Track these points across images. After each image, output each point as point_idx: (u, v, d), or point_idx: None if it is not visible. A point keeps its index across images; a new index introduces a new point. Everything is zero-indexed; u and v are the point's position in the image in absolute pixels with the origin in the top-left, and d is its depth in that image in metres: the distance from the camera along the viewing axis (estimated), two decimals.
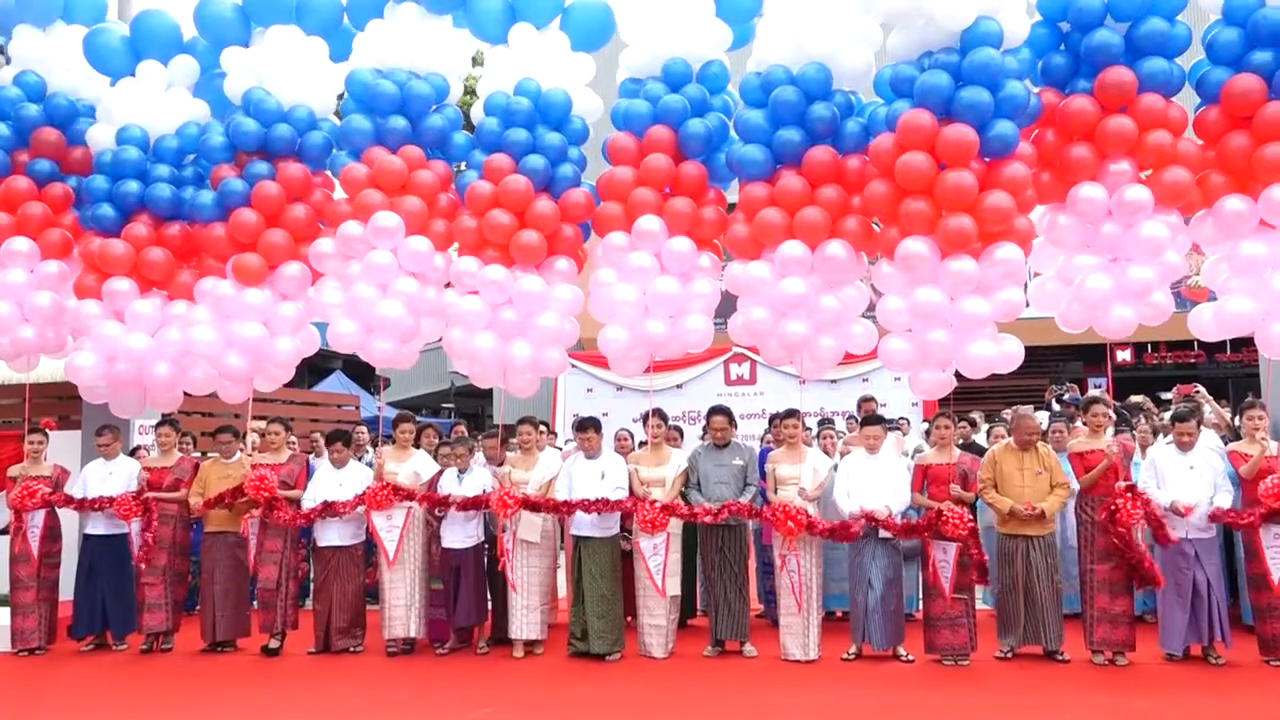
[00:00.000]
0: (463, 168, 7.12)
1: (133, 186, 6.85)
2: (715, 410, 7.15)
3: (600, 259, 6.61)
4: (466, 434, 8.77)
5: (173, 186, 6.89)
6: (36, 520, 7.27)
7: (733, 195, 6.75)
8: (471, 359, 6.72)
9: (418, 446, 7.57)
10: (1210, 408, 8.08)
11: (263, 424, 7.76)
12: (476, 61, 7.75)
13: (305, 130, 6.84)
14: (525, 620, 6.93)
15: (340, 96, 7.13)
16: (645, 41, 6.65)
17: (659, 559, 6.67)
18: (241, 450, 7.59)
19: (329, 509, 7.05)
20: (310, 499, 7.20)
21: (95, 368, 6.91)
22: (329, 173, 7.12)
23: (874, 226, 6.41)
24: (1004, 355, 6.22)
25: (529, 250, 6.49)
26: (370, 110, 6.77)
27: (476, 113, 6.95)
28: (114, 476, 7.36)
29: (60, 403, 9.64)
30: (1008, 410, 10.97)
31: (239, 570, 7.29)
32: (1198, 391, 8.66)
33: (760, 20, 6.55)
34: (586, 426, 7.10)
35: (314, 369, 22.67)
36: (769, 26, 6.41)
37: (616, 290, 6.40)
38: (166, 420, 7.80)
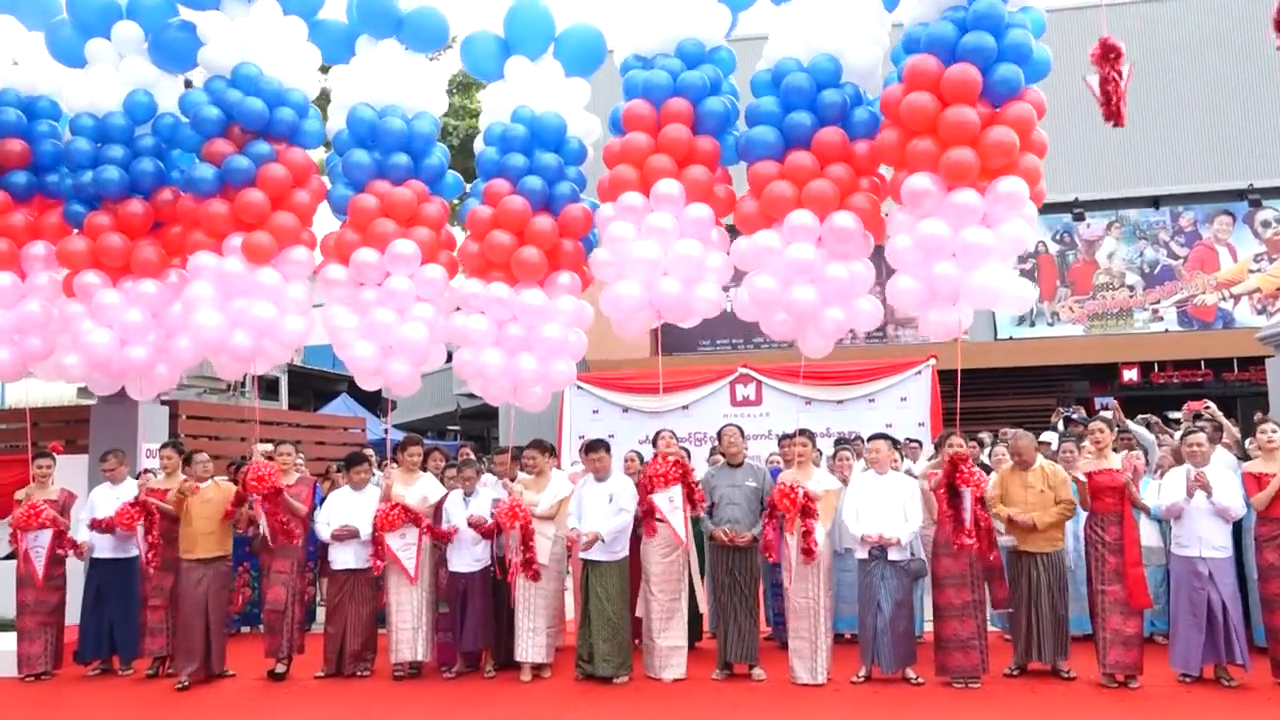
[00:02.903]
0: (459, 202, 7.16)
1: (87, 177, 6.69)
2: (729, 427, 7.17)
3: (615, 215, 6.61)
4: (472, 456, 8.76)
5: (121, 169, 6.68)
6: (41, 540, 7.20)
7: (739, 188, 6.80)
8: (481, 377, 6.75)
9: (424, 470, 7.56)
10: (1223, 426, 8.04)
11: (269, 446, 7.75)
12: (460, 87, 7.86)
13: (303, 116, 6.83)
14: (532, 643, 6.90)
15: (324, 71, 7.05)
16: (651, 22, 6.76)
17: (677, 513, 6.53)
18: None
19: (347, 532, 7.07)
20: (326, 522, 7.19)
21: (77, 366, 6.83)
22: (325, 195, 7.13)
23: (882, 214, 6.45)
24: (1016, 294, 6.16)
25: (529, 266, 6.57)
26: (372, 145, 6.84)
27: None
28: (120, 500, 7.34)
29: (67, 426, 9.66)
30: (1014, 432, 10.96)
31: (225, 597, 7.21)
32: (1208, 408, 8.60)
33: (758, 11, 6.74)
34: (597, 447, 7.10)
35: (319, 392, 22.69)
36: (781, 26, 6.54)
37: (636, 247, 6.43)
38: (170, 443, 7.80)
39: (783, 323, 6.38)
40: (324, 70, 7.32)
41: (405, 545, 7.02)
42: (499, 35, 6.99)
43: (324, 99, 7.21)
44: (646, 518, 6.66)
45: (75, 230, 6.88)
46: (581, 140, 6.99)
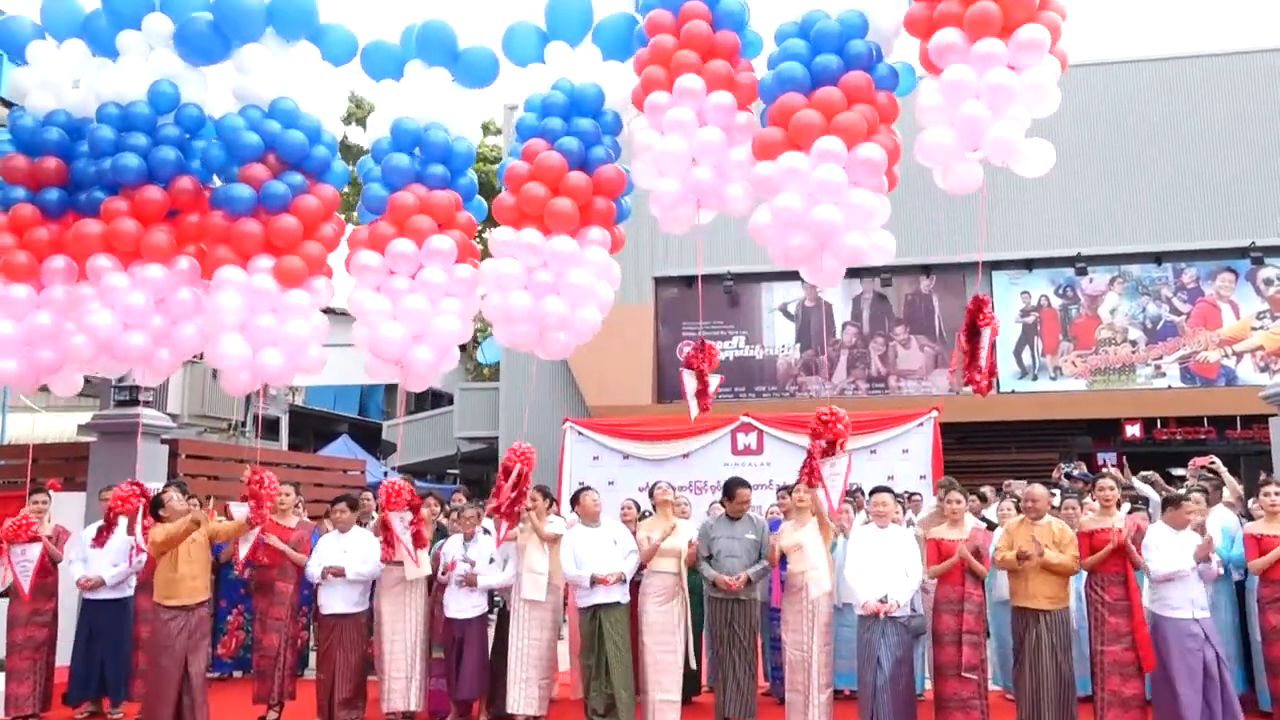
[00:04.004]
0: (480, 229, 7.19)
1: (107, 164, 6.71)
2: (742, 483, 7.13)
3: (645, 116, 6.66)
4: (467, 500, 8.71)
5: (140, 157, 6.67)
6: (30, 555, 7.06)
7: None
8: (508, 320, 6.75)
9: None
10: (1226, 483, 8.00)
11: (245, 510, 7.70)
12: (488, 129, 7.91)
13: (333, 155, 7.10)
14: (524, 694, 6.81)
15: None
16: None
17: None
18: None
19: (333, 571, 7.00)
20: (315, 565, 7.14)
21: (85, 347, 6.67)
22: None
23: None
24: (1035, 152, 6.14)
25: (562, 216, 6.65)
26: (413, 153, 7.05)
27: None
28: (114, 538, 7.27)
29: (67, 464, 9.63)
30: (1016, 483, 10.91)
31: (205, 646, 6.92)
32: (1213, 463, 8.56)
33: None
34: (585, 489, 7.21)
35: (320, 433, 22.65)
36: None
37: (660, 143, 6.51)
38: (173, 483, 7.77)
39: (798, 247, 6.26)
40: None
41: (407, 528, 6.89)
42: (539, 26, 7.21)
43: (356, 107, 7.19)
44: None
45: (92, 216, 6.86)
46: (618, 114, 7.15)
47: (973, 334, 6.11)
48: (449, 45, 7.14)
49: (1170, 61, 17.65)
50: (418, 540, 6.84)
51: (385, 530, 6.79)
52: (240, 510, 7.20)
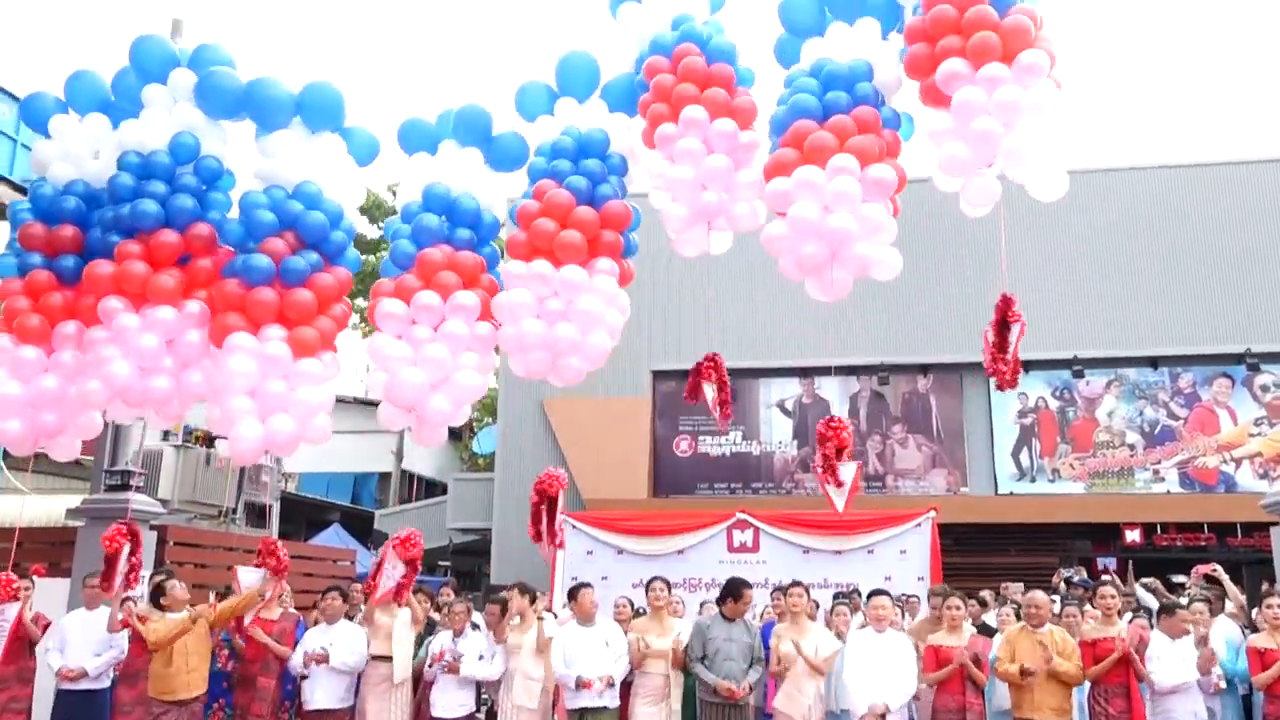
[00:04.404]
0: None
1: (125, 209, 6.81)
2: (746, 584, 7.04)
3: (655, 147, 6.99)
4: (455, 594, 8.55)
5: (159, 204, 6.78)
6: (8, 614, 6.89)
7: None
8: (521, 348, 6.88)
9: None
10: (1229, 593, 7.88)
11: (258, 573, 7.58)
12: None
13: (350, 240, 7.30)
14: None
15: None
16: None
17: None
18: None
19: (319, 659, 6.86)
20: (299, 656, 6.98)
21: (99, 393, 6.70)
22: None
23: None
24: (1046, 163, 6.32)
25: (571, 248, 6.87)
26: (443, 215, 7.31)
27: None
28: (94, 628, 7.10)
29: (53, 548, 9.48)
30: (1014, 586, 10.74)
31: None
32: (1215, 571, 8.45)
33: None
34: (584, 588, 7.06)
35: (311, 521, 22.41)
36: (809, 51, 7.08)
37: (675, 170, 6.85)
38: (162, 570, 7.64)
39: (810, 256, 6.42)
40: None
41: (395, 574, 6.94)
42: (550, 85, 7.62)
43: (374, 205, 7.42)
44: None
45: (106, 259, 6.92)
46: (624, 156, 7.44)
47: (1002, 328, 6.42)
48: (484, 128, 7.47)
49: (1167, 170, 18.01)
50: (399, 592, 6.93)
51: (377, 567, 6.87)
52: (248, 577, 7.10)
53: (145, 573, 8.26)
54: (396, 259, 7.23)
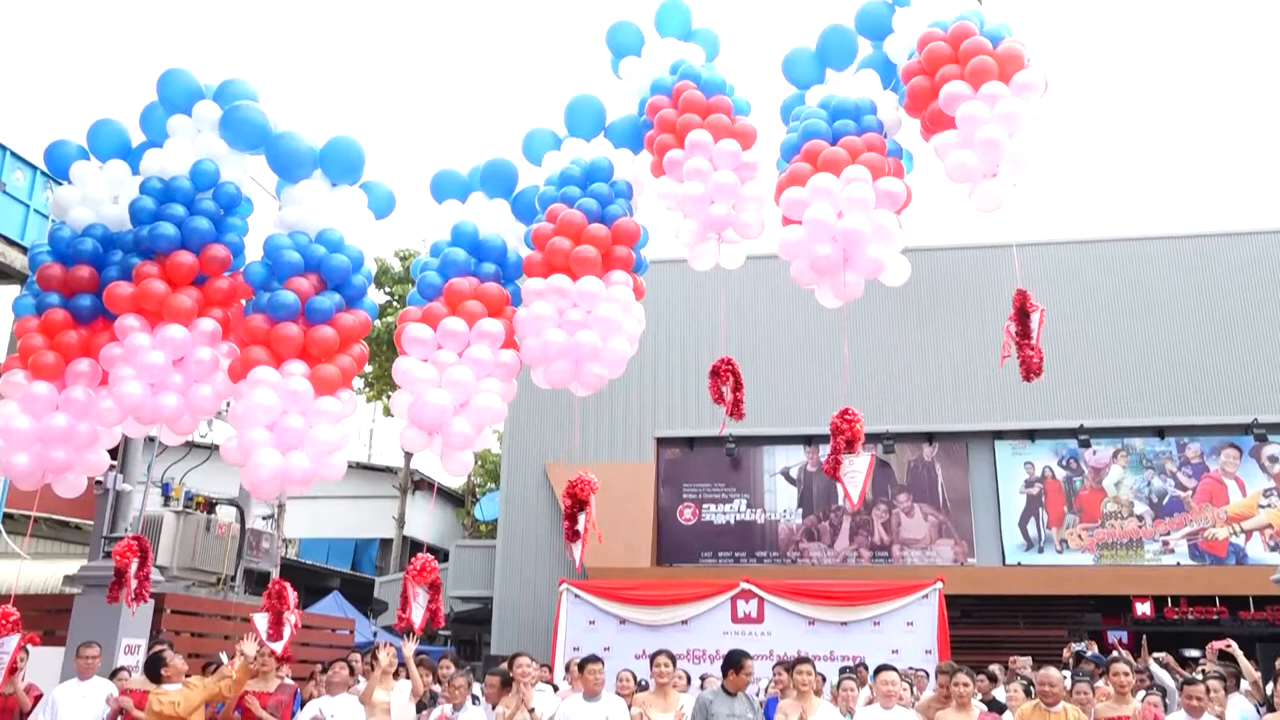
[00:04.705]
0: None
1: (145, 231, 7.02)
2: (747, 655, 6.90)
3: (664, 173, 7.35)
4: (455, 666, 8.39)
5: (177, 226, 6.97)
6: (7, 647, 6.87)
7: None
8: (544, 358, 7.07)
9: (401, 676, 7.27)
10: (1243, 669, 7.72)
11: (254, 647, 7.47)
12: None
13: (368, 284, 7.54)
14: None
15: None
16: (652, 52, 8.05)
17: None
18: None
19: None
20: None
21: (112, 411, 6.86)
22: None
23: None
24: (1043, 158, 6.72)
25: (587, 262, 7.13)
26: (471, 252, 7.64)
27: None
28: (87, 700, 6.97)
29: (49, 616, 9.37)
30: (1023, 660, 10.54)
31: None
32: (1230, 647, 8.28)
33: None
34: (593, 661, 6.89)
35: (310, 588, 22.16)
36: (813, 97, 7.60)
37: (681, 188, 7.16)
38: (159, 641, 7.52)
39: (824, 258, 6.66)
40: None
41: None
42: (555, 132, 8.02)
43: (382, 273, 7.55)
44: None
45: (126, 280, 7.11)
46: (629, 183, 7.75)
47: (1022, 317, 6.72)
48: (509, 181, 7.97)
49: (1173, 240, 18.11)
50: (434, 619, 7.15)
51: (404, 600, 7.05)
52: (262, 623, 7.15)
53: (135, 639, 8.17)
54: (423, 290, 7.48)
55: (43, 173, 17.97)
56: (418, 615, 7.00)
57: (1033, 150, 6.60)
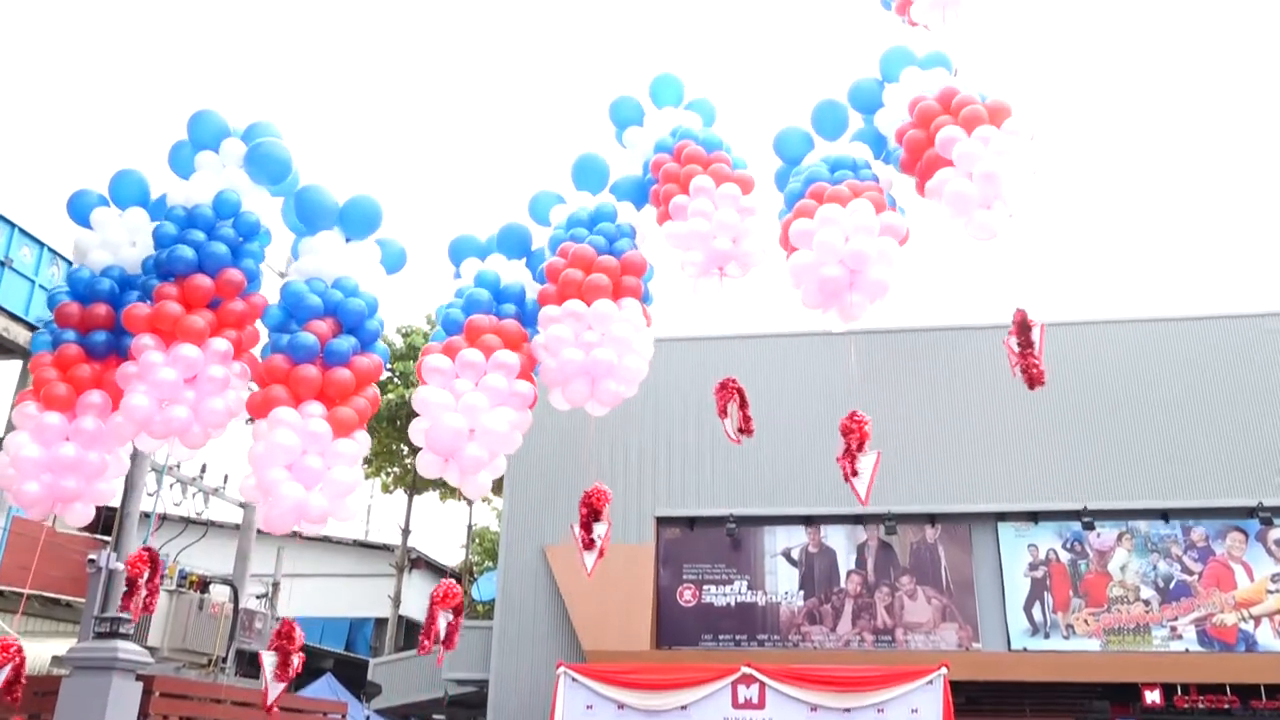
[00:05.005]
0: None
1: (164, 255, 7.28)
2: None
3: (669, 216, 7.87)
4: None
5: (195, 250, 7.23)
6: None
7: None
8: (562, 377, 7.47)
9: None
10: None
11: None
12: None
13: (380, 331, 7.80)
14: None
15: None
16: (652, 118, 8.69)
17: None
18: None
19: None
20: None
21: (125, 426, 7.05)
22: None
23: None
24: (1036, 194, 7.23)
25: (599, 289, 7.56)
26: (493, 293, 8.07)
27: None
28: None
29: (36, 698, 9.16)
30: None
31: None
32: None
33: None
34: None
35: (303, 668, 21.76)
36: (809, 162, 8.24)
37: (689, 225, 7.68)
38: None
39: (832, 279, 7.08)
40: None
41: None
42: (559, 194, 8.49)
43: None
44: None
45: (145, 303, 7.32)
46: (634, 226, 8.19)
47: (1023, 330, 7.24)
48: (524, 243, 8.45)
49: (1176, 322, 18.16)
50: (450, 637, 7.62)
51: (430, 622, 7.50)
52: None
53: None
54: (446, 326, 7.83)
55: (49, 249, 18.20)
56: (443, 632, 7.57)
57: (1027, 186, 7.10)
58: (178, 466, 13.72)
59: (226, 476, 15.19)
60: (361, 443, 7.23)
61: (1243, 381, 17.30)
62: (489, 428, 7.22)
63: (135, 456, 12.35)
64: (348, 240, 7.70)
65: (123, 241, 7.66)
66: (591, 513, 7.68)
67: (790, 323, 19.54)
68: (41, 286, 18.04)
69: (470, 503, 30.05)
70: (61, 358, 7.24)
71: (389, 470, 28.15)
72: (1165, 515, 17.06)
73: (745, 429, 7.80)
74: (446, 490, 29.14)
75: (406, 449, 27.36)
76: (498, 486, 29.59)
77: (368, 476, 29.19)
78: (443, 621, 7.55)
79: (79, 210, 7.79)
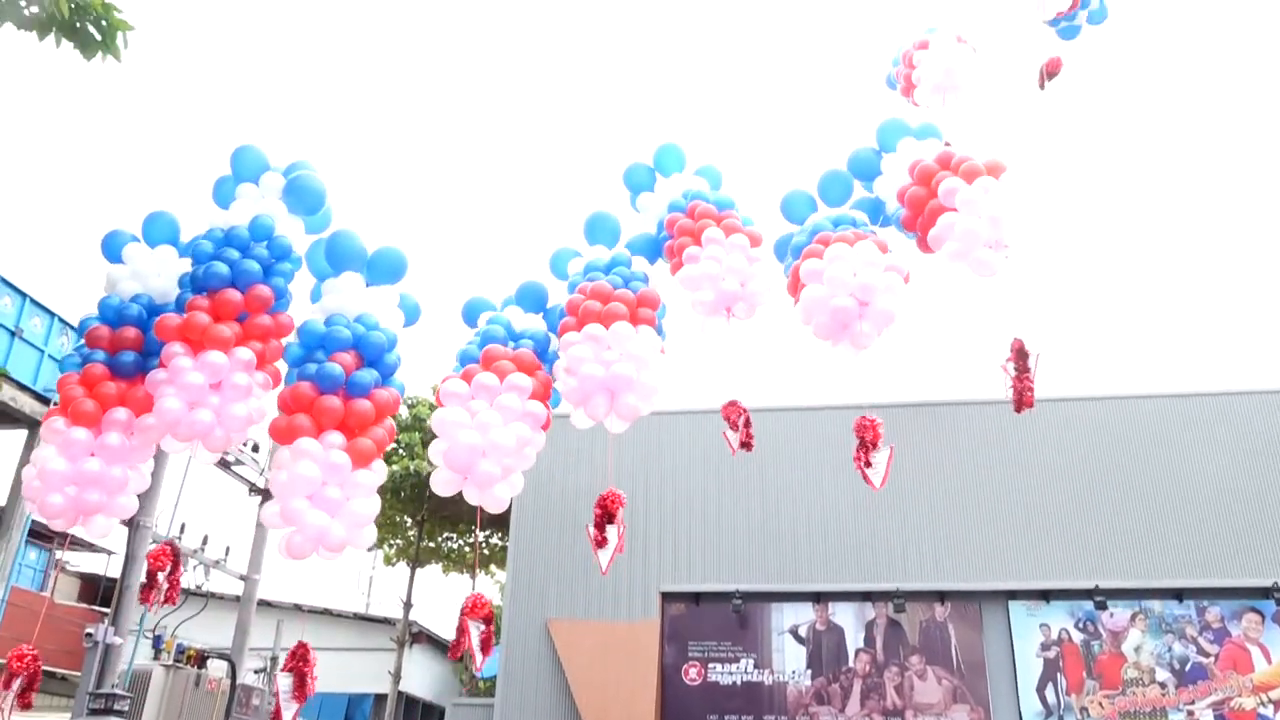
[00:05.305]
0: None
1: (199, 270, 7.69)
2: None
3: (682, 264, 8.32)
4: None
5: (229, 266, 7.61)
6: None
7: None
8: (582, 395, 7.81)
9: None
10: None
11: None
12: None
13: (399, 364, 8.12)
14: None
15: None
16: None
17: None
18: None
19: None
20: None
21: (156, 429, 7.40)
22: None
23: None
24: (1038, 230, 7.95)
25: (616, 315, 8.01)
26: (511, 331, 8.54)
27: None
28: None
29: None
30: None
31: None
32: None
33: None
34: None
35: None
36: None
37: (700, 268, 8.15)
38: None
39: (841, 309, 7.57)
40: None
41: None
42: (576, 250, 8.96)
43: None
44: None
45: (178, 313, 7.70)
46: (647, 275, 8.62)
47: (1020, 357, 7.67)
48: (541, 300, 8.91)
49: (1190, 398, 18.06)
50: (485, 646, 7.62)
51: (460, 633, 7.62)
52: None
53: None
54: (462, 358, 8.18)
55: (60, 319, 18.34)
56: (476, 643, 7.64)
57: (1029, 230, 7.68)
58: (180, 537, 13.61)
59: (228, 549, 15.06)
60: (378, 472, 7.54)
61: (1258, 458, 17.16)
62: (500, 444, 7.57)
63: (137, 529, 12.28)
64: (368, 285, 8.13)
65: (151, 273, 8.09)
66: (605, 514, 8.03)
67: (798, 397, 19.50)
68: (51, 356, 18.12)
69: (474, 575, 29.72)
70: (88, 376, 7.58)
71: (392, 542, 27.89)
72: (1179, 595, 16.79)
73: (746, 444, 8.29)
74: (449, 563, 28.85)
75: (410, 521, 27.15)
76: (500, 560, 29.32)
77: (370, 549, 28.91)
78: (474, 631, 7.75)
79: (112, 248, 8.17)
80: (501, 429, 7.58)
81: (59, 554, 25.67)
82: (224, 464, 15.12)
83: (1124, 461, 17.38)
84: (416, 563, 27.62)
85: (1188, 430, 17.62)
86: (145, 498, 12.54)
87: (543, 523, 17.77)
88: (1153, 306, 63.44)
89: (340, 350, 7.56)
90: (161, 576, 7.71)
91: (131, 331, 7.76)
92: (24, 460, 17.99)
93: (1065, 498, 17.12)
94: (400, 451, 25.62)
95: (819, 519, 17.64)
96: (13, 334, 17.20)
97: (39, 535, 21.25)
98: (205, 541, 14.65)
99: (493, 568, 29.78)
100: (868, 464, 7.85)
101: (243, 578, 15.57)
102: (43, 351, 17.96)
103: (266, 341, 7.74)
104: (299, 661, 7.44)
